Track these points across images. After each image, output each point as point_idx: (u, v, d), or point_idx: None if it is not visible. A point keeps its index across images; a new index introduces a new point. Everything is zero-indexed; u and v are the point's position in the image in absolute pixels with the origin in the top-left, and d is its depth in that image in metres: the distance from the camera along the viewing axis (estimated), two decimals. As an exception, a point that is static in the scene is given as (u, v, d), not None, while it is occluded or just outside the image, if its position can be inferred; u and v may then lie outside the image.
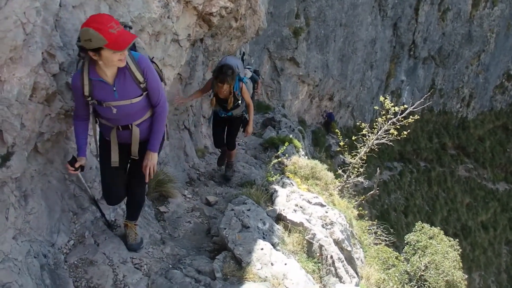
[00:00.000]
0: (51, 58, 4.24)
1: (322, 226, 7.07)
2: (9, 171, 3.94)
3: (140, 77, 4.54)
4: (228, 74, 8.07)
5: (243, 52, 9.88)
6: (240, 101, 8.80)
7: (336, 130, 26.17)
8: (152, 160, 4.89)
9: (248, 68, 19.36)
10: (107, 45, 3.99)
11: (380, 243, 11.99)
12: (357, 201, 13.24)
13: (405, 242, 17.91)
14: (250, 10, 10.39)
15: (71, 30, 4.49)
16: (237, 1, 8.86)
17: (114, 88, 4.45)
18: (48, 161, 4.73)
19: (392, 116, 13.26)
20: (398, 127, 13.26)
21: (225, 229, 5.99)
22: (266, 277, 5.26)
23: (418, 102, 13.94)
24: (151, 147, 4.91)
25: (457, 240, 18.27)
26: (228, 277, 5.34)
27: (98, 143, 5.13)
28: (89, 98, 4.45)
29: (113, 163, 4.91)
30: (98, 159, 5.29)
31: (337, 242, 6.91)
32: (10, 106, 3.79)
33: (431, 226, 17.86)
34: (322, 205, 7.78)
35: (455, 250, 16.24)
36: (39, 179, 4.59)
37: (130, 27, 4.79)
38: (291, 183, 8.88)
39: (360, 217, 12.38)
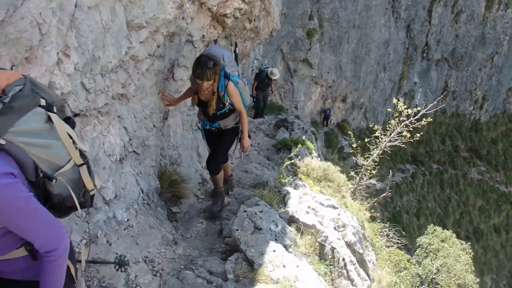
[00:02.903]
0: (66, 58, 4.26)
1: (334, 228, 7.05)
2: (23, 170, 3.96)
3: None
4: (208, 66, 6.16)
5: (235, 43, 7.85)
6: (227, 107, 6.87)
7: (349, 131, 26.13)
8: None
9: (265, 68, 19.37)
10: None
11: (392, 246, 11.96)
12: (369, 203, 13.20)
13: (417, 244, 17.86)
14: (264, 12, 10.39)
15: (86, 30, 4.50)
16: (251, 3, 8.85)
17: None
18: (62, 160, 4.74)
19: (405, 119, 13.24)
20: (411, 129, 13.24)
21: (237, 230, 5.98)
22: (278, 279, 5.25)
23: (431, 104, 13.93)
24: None
25: (469, 243, 18.22)
26: (240, 278, 5.33)
27: None
28: None
29: None
30: None
31: (349, 245, 6.88)
32: (25, 106, 3.81)
33: (443, 229, 17.81)
34: (334, 207, 7.76)
35: (467, 253, 16.18)
36: (53, 178, 4.59)
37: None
38: (304, 185, 8.85)
39: (372, 219, 12.35)
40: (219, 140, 7.44)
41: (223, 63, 6.60)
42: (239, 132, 7.42)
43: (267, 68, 19.38)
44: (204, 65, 6.16)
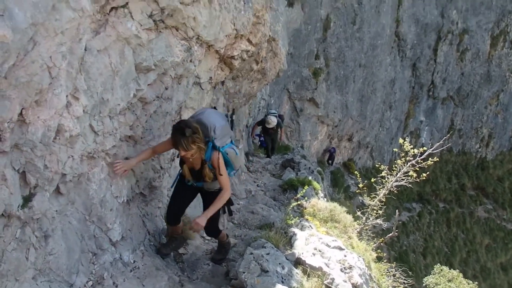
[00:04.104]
0: (75, 101, 4.31)
1: (341, 270, 7.00)
2: (31, 211, 3.98)
3: None
4: (185, 134, 5.46)
5: (233, 110, 7.74)
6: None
7: (355, 171, 26.11)
8: None
9: (273, 113, 19.34)
10: None
11: (398, 286, 11.83)
12: (375, 243, 13.12)
13: (424, 285, 17.74)
14: (271, 53, 10.49)
15: (96, 73, 4.56)
16: (258, 45, 8.95)
17: None
18: (69, 201, 4.76)
19: (411, 158, 13.23)
20: (417, 169, 13.22)
21: (244, 273, 5.95)
22: (285, 322, 5.22)
23: (438, 144, 13.93)
24: None
25: (476, 282, 18.12)
26: (247, 321, 5.30)
27: None
28: None
29: None
30: None
31: (356, 287, 6.84)
32: (34, 148, 3.86)
33: (450, 268, 17.75)
34: (340, 249, 7.72)
35: (474, 292, 16.06)
36: (60, 220, 4.61)
37: None
38: (310, 226, 8.81)
39: (379, 259, 12.25)
40: (204, 198, 6.84)
41: (213, 135, 5.90)
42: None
43: (272, 113, 19.39)
44: (178, 133, 5.52)
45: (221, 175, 6.06)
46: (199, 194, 6.93)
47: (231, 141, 6.43)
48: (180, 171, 6.58)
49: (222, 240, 7.41)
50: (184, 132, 5.46)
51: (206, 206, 6.60)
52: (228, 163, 6.25)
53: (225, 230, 8.10)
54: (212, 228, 6.79)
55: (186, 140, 5.47)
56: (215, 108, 7.03)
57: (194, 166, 6.17)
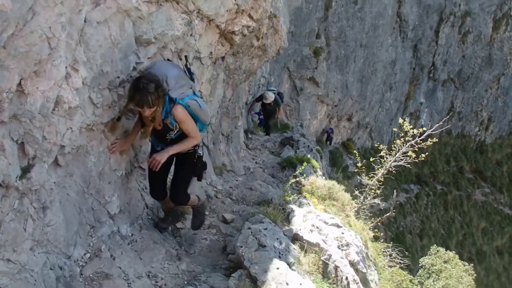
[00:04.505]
0: (75, 72, 4.29)
1: (338, 247, 7.03)
2: (29, 182, 3.97)
3: None
4: (149, 90, 4.93)
5: (185, 56, 6.50)
6: (178, 133, 5.72)
7: (354, 150, 26.14)
8: None
9: (272, 90, 19.22)
10: None
11: (394, 266, 11.90)
12: (373, 222, 13.16)
13: (420, 265, 17.84)
14: (272, 30, 10.44)
15: (95, 45, 4.54)
16: (260, 20, 8.89)
17: None
18: (67, 174, 4.76)
19: (410, 139, 13.23)
20: (416, 149, 13.22)
21: (241, 247, 5.97)
22: (281, 297, 5.24)
23: (437, 125, 13.91)
24: None
25: (472, 264, 18.20)
26: (243, 295, 5.32)
27: None
28: None
29: None
30: None
31: (352, 264, 6.87)
32: (32, 118, 3.84)
33: (446, 250, 17.80)
34: (338, 226, 7.74)
35: (469, 274, 16.18)
36: (58, 192, 4.60)
37: None
38: (308, 203, 8.82)
39: (376, 238, 12.30)
40: (177, 163, 6.28)
41: (166, 87, 5.29)
42: (199, 157, 6.24)
43: (271, 89, 19.33)
44: (145, 90, 4.92)
45: (188, 125, 5.63)
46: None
47: (194, 93, 5.80)
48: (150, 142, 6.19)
49: (194, 205, 6.84)
50: (148, 88, 4.91)
51: (177, 171, 6.31)
52: (194, 117, 5.68)
53: (201, 198, 7.17)
54: (181, 195, 6.31)
55: (152, 95, 4.95)
56: (169, 60, 6.26)
57: (156, 125, 5.49)
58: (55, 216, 4.46)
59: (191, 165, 6.20)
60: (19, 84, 3.59)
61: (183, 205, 6.76)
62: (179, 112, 5.43)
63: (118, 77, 5.04)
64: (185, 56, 6.44)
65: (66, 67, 4.10)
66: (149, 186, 6.37)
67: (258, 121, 20.88)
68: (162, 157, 5.56)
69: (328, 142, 36.08)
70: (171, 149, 5.65)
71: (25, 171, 3.96)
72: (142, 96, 4.89)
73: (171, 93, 5.33)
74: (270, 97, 18.15)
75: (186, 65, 6.10)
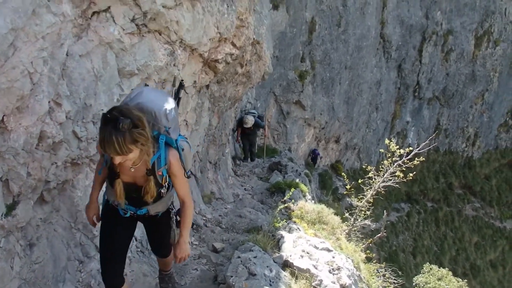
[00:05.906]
0: (58, 107, 4.28)
1: (329, 271, 7.00)
2: (14, 220, 3.94)
3: None
4: (120, 128, 3.32)
5: (174, 78, 5.95)
6: (164, 188, 4.15)
7: (343, 172, 26.18)
8: None
9: (252, 113, 18.99)
10: None
11: (388, 286, 11.85)
12: (364, 243, 13.13)
13: (414, 284, 17.80)
14: (255, 56, 10.47)
15: (78, 79, 4.53)
16: (243, 48, 8.93)
17: None
18: (54, 209, 4.72)
19: (397, 159, 13.25)
20: (404, 169, 13.24)
21: (231, 276, 5.92)
22: (274, 325, 5.20)
23: (424, 143, 13.93)
24: None
25: (466, 280, 18.23)
26: (235, 325, 5.27)
27: None
28: None
29: None
30: None
31: (344, 287, 6.84)
32: (16, 155, 3.81)
33: (440, 267, 17.88)
34: (329, 250, 7.71)
35: (463, 290, 16.16)
36: (45, 228, 4.57)
37: None
38: (298, 228, 8.81)
39: (368, 260, 12.26)
40: (153, 229, 4.78)
41: (165, 124, 3.90)
42: (173, 218, 4.56)
43: (251, 112, 18.99)
44: (109, 126, 3.36)
45: (184, 180, 4.23)
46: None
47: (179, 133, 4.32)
48: (106, 196, 4.43)
49: (168, 266, 5.58)
50: (119, 124, 3.31)
51: (153, 240, 4.99)
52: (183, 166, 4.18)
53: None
54: (166, 246, 4.94)
55: (122, 137, 3.34)
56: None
57: (135, 180, 4.00)
58: (42, 253, 4.42)
59: (168, 223, 4.57)
60: (2, 120, 3.57)
61: (164, 258, 5.28)
62: (175, 162, 4.01)
63: (102, 110, 5.01)
64: (180, 82, 5.09)
65: (49, 102, 4.09)
66: (101, 266, 4.49)
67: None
68: (187, 248, 4.35)
69: (312, 163, 36.05)
70: (184, 235, 4.34)
71: (11, 208, 3.92)
72: (105, 136, 3.37)
73: (171, 131, 3.97)
74: (250, 121, 17.86)
75: (176, 93, 4.92)
